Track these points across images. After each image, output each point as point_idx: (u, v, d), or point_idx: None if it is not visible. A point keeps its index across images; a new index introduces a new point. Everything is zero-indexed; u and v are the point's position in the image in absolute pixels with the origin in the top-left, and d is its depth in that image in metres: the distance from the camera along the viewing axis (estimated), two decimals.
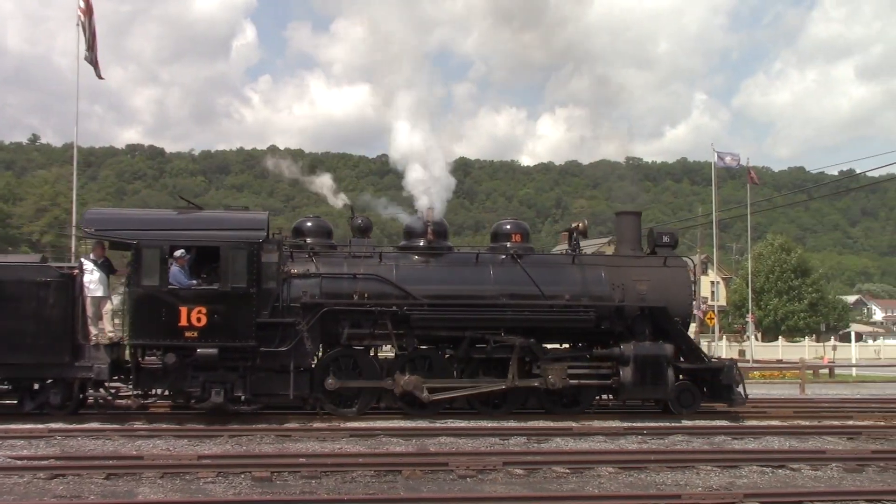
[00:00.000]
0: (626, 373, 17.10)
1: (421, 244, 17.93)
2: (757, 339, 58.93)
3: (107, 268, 16.55)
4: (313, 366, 16.82)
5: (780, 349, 54.53)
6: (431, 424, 15.79)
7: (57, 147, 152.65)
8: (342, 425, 15.43)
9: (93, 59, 28.14)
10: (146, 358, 16.28)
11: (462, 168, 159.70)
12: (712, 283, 68.67)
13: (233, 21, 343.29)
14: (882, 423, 16.93)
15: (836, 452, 13.19)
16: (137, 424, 15.45)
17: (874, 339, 77.28)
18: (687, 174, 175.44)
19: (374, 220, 19.47)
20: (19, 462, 11.73)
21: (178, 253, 15.83)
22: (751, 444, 14.57)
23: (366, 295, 16.84)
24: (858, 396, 23.78)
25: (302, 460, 11.80)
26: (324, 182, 20.22)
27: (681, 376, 17.75)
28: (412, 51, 19.82)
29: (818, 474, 11.94)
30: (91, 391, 16.27)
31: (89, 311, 16.09)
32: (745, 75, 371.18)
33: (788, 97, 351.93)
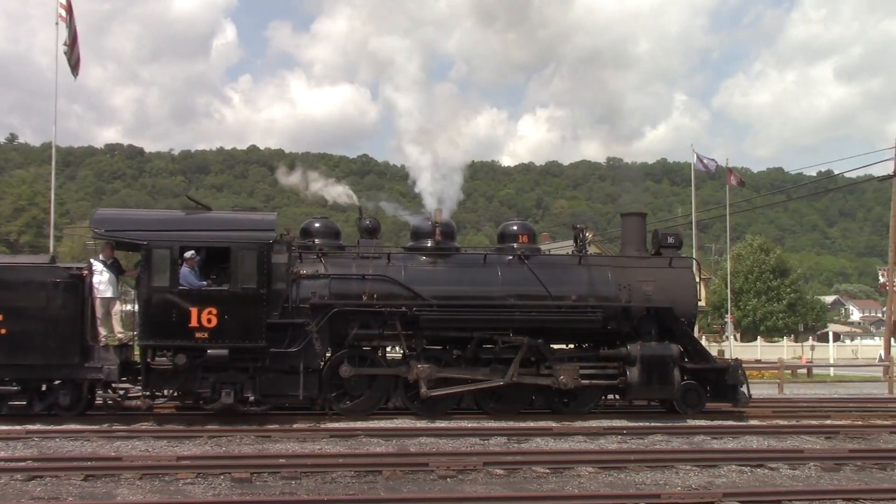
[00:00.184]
0: (633, 373, 17.22)
1: (428, 245, 18.01)
2: (736, 339, 59.17)
3: (116, 268, 16.54)
4: (322, 367, 16.89)
5: (759, 349, 54.86)
6: (412, 425, 15.79)
7: (35, 146, 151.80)
8: (322, 426, 15.41)
9: (74, 59, 27.95)
10: (156, 359, 16.22)
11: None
12: None
13: (213, 20, 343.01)
14: (859, 423, 17.03)
15: (813, 452, 13.27)
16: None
17: (852, 340, 77.94)
18: (667, 175, 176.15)
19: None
20: None
21: (188, 254, 15.85)
22: (730, 443, 14.63)
23: (375, 296, 16.91)
24: (836, 396, 23.95)
25: (282, 461, 11.77)
26: (342, 190, 20.28)
27: (685, 376, 17.84)
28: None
29: (796, 473, 12.01)
30: (101, 392, 16.28)
31: (98, 311, 16.08)
32: (725, 76, 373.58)
33: (768, 98, 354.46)
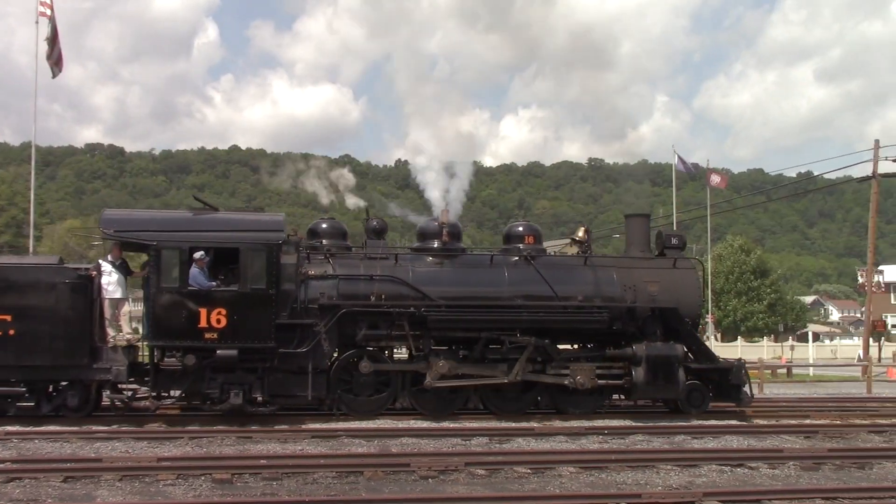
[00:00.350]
0: (639, 373, 17.32)
1: (434, 245, 18.06)
2: (716, 339, 59.46)
3: (124, 269, 16.50)
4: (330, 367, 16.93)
5: (740, 349, 55.03)
6: (394, 425, 15.78)
7: (14, 146, 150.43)
8: (303, 427, 15.38)
9: (55, 56, 27.82)
10: (165, 359, 16.22)
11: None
12: None
13: (194, 19, 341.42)
14: (838, 422, 17.14)
15: (793, 451, 13.35)
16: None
17: (831, 340, 78.29)
18: (648, 175, 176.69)
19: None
20: None
21: (197, 254, 15.85)
22: (710, 443, 14.70)
23: (383, 296, 16.98)
24: (815, 396, 24.08)
25: (263, 462, 11.75)
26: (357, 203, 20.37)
27: (688, 376, 17.91)
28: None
29: (776, 473, 12.08)
30: (109, 393, 16.26)
31: (107, 312, 16.05)
32: (706, 77, 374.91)
33: (748, 99, 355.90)
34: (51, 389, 16.13)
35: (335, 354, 17.15)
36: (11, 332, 15.38)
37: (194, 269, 15.79)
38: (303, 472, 11.24)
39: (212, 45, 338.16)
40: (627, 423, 16.60)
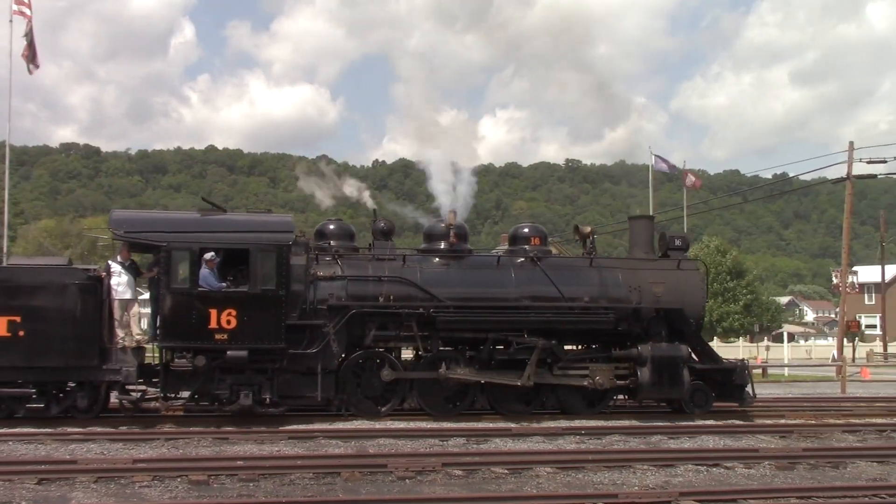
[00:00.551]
0: (644, 373, 17.43)
1: (441, 246, 18.10)
2: None
3: (133, 270, 16.43)
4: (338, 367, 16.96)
5: (715, 350, 55.32)
6: (371, 426, 15.76)
7: None
8: (281, 428, 15.34)
9: (30, 55, 27.67)
10: (175, 360, 16.21)
11: (402, 169, 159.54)
12: None
13: (171, 18, 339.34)
14: (813, 422, 17.27)
15: (768, 451, 13.45)
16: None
17: (806, 340, 78.91)
18: (625, 176, 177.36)
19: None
20: None
21: (208, 255, 15.86)
22: (686, 443, 14.78)
23: (391, 297, 17.03)
24: (790, 396, 24.26)
25: (240, 463, 11.71)
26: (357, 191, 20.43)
27: (691, 377, 18.00)
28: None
29: (751, 472, 12.16)
30: (119, 395, 16.19)
31: (116, 313, 15.97)
32: (683, 78, 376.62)
33: (725, 100, 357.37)
34: (59, 391, 16.07)
35: (342, 355, 17.16)
36: (21, 333, 15.33)
37: (205, 270, 15.83)
38: (280, 473, 11.21)
39: (188, 45, 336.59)
40: (633, 422, 16.74)
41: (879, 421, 17.67)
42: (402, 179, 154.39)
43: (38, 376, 15.59)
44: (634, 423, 16.75)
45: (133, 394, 16.54)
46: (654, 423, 16.69)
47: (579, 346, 18.73)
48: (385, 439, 14.46)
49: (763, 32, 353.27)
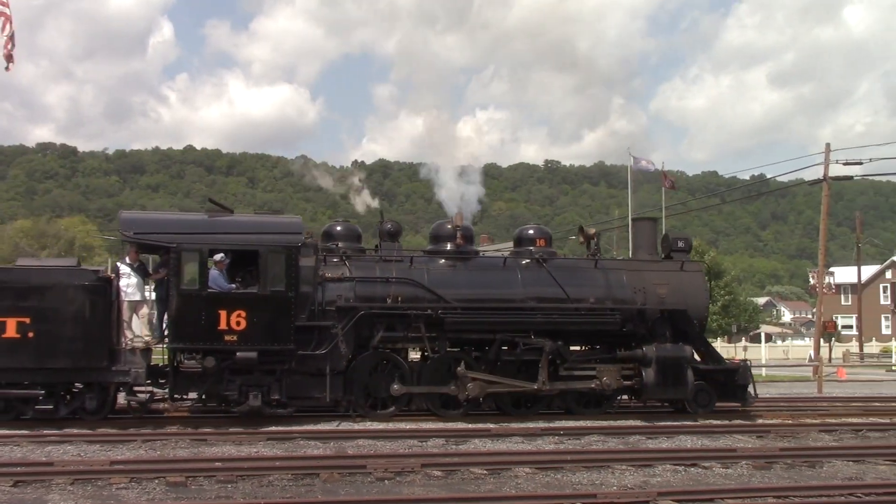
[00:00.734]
0: (649, 374, 17.57)
1: (448, 248, 18.13)
2: None
3: (142, 271, 16.39)
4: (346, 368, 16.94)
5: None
6: (350, 427, 15.74)
7: None
8: (260, 429, 15.29)
9: (8, 50, 27.46)
10: (185, 362, 16.15)
11: (381, 170, 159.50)
12: None
13: (149, 17, 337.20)
14: (790, 422, 17.39)
15: (745, 450, 13.51)
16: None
17: (783, 340, 79.43)
18: (604, 177, 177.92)
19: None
20: None
21: (217, 257, 15.89)
22: (664, 443, 14.84)
23: (399, 298, 17.06)
24: (767, 396, 24.34)
25: (218, 464, 11.65)
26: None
27: (695, 377, 18.10)
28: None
29: (729, 472, 12.22)
30: (127, 396, 16.15)
31: (125, 315, 15.92)
32: (662, 80, 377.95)
33: (704, 102, 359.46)
34: (67, 392, 16.01)
35: (350, 356, 17.13)
36: (30, 334, 15.25)
37: (214, 272, 15.85)
38: (258, 474, 11.16)
39: (167, 44, 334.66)
40: (636, 422, 16.78)
41: (855, 420, 17.82)
42: (382, 180, 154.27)
43: (48, 377, 15.52)
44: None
45: (140, 395, 16.50)
46: (629, 424, 16.74)
47: (583, 347, 18.81)
48: (364, 440, 14.43)
49: (742, 34, 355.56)
